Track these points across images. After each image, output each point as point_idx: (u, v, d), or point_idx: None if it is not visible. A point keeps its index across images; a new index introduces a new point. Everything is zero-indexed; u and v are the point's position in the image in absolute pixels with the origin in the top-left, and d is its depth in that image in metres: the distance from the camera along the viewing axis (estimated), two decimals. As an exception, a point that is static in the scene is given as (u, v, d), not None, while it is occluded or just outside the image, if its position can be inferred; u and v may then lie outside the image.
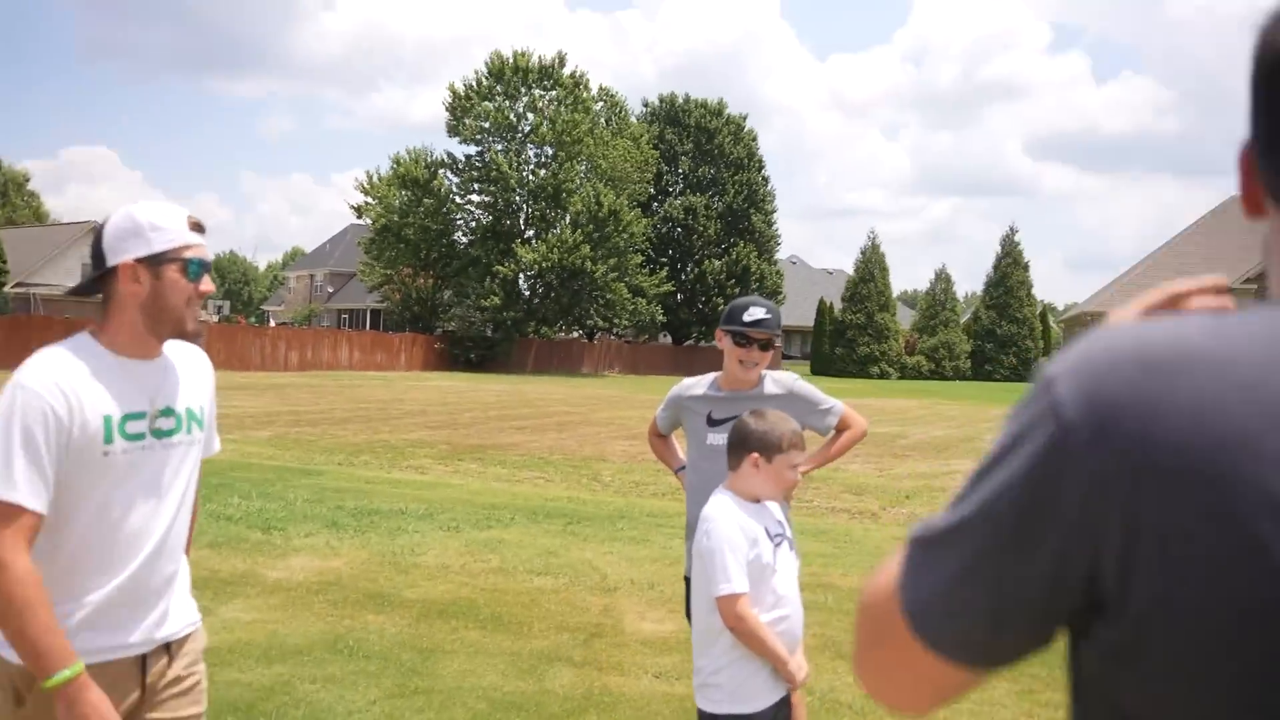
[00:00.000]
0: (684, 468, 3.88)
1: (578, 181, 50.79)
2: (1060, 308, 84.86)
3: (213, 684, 4.48)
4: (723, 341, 3.67)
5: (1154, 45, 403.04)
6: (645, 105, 59.68)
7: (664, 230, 58.38)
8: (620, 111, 54.58)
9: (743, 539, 2.82)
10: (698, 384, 3.83)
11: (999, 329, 61.45)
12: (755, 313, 3.64)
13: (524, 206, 52.36)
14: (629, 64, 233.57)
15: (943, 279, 65.11)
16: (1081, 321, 41.08)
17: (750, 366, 3.64)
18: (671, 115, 58.77)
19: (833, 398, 3.82)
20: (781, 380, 3.71)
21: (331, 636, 5.76)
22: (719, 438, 3.46)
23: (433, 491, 11.03)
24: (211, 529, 8.51)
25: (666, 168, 58.21)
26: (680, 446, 4.06)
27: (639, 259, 52.36)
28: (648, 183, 54.41)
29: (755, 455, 2.91)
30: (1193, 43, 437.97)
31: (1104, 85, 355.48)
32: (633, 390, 36.16)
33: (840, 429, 3.82)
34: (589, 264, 48.90)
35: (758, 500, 2.97)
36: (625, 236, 50.24)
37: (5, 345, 31.81)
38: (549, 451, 15.35)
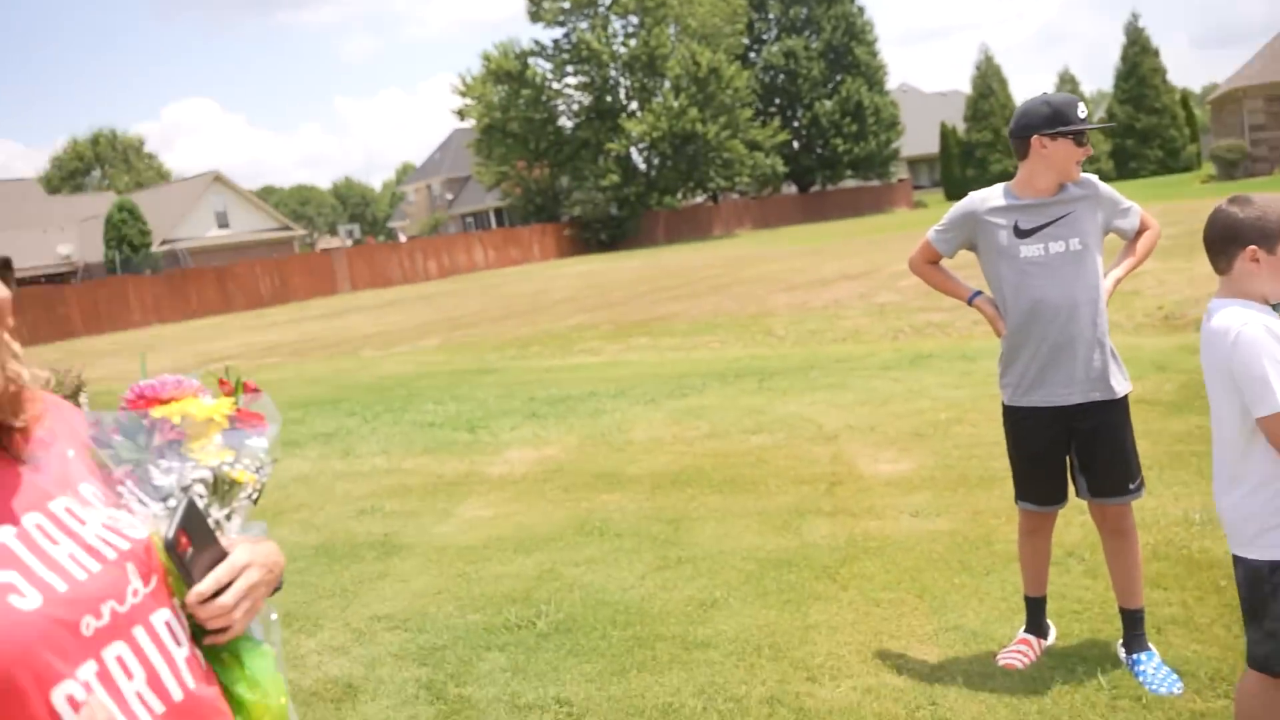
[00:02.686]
0: (978, 294, 3.59)
1: (670, 45, 50.55)
2: (1198, 90, 78.30)
3: (478, 581, 4.66)
4: (1043, 146, 3.32)
5: None
6: None
7: (767, 79, 57.40)
8: (693, -35, 50.52)
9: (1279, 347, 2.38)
10: (990, 196, 3.49)
11: (1138, 123, 54.72)
12: (1084, 108, 3.35)
13: (621, 80, 52.96)
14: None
15: (1067, 81, 60.63)
16: (1233, 98, 38.46)
17: (1081, 167, 3.40)
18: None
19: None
20: (1084, 182, 3.43)
21: (577, 520, 5.78)
22: (1033, 249, 3.36)
23: (615, 370, 11.14)
24: (418, 436, 8.90)
25: (756, 14, 57.57)
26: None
27: (748, 113, 52.21)
28: (740, 34, 53.88)
29: (1252, 249, 2.48)
30: None
31: None
32: (769, 245, 36.20)
33: (1140, 230, 3.59)
34: (699, 126, 49.29)
35: (1266, 301, 2.52)
36: (730, 92, 50.47)
37: (170, 299, 37.13)
38: (712, 315, 15.17)
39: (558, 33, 53.21)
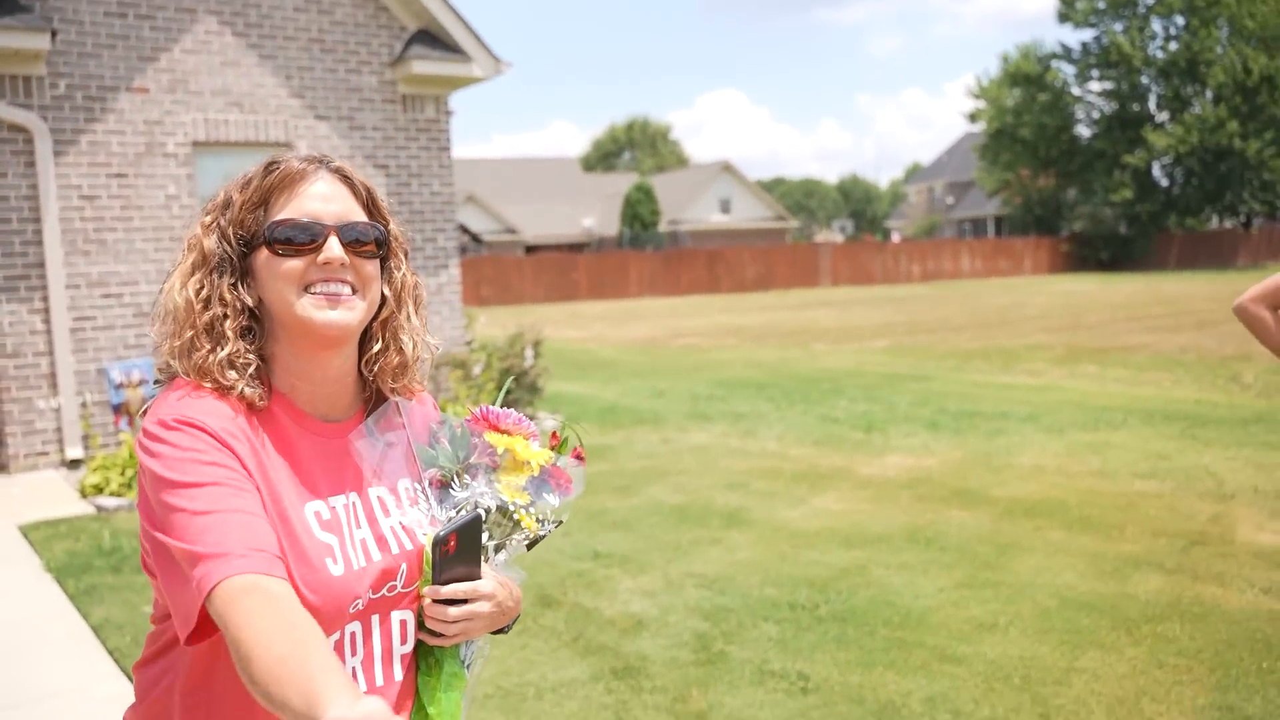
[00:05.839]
0: None
1: (1218, 50, 45.30)
2: None
3: (792, 562, 5.27)
4: None
5: None
6: None
7: None
8: (1266, -43, 45.25)
9: None
10: None
11: None
12: None
13: (1152, 87, 48.99)
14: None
15: None
16: None
17: None
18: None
19: None
20: None
21: (912, 528, 5.98)
22: None
23: (1042, 395, 10.98)
24: (816, 429, 9.42)
25: None
26: None
27: None
28: None
29: None
30: None
31: None
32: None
33: None
34: (1237, 142, 44.28)
35: None
36: None
37: (663, 275, 40.48)
38: (1180, 352, 14.38)
39: (1087, 35, 50.52)
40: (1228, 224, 53.01)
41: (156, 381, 1.40)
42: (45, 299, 8.38)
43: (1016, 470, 7.53)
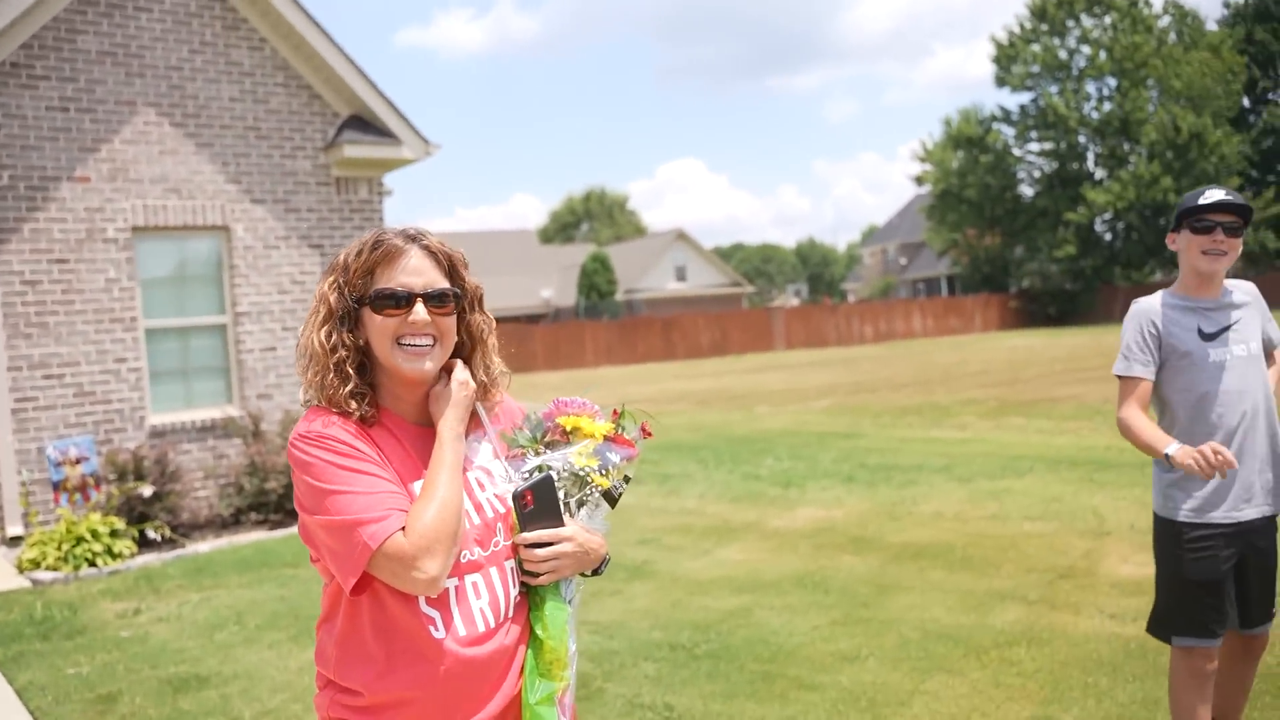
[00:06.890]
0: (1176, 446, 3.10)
1: (1148, 109, 47.92)
2: None
3: (684, 608, 5.72)
4: (1173, 242, 3.28)
5: None
6: (1227, 6, 51.75)
7: (1266, 145, 49.46)
8: (1191, 21, 49.85)
9: None
10: (1165, 300, 3.32)
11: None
12: (1213, 193, 3.16)
13: (1089, 146, 51.10)
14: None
15: None
16: None
17: (1216, 256, 3.16)
18: (1262, 10, 49.78)
19: None
20: (1243, 288, 3.31)
21: (802, 573, 6.40)
22: (1219, 353, 3.23)
23: (962, 447, 11.48)
24: (738, 487, 9.91)
25: (1260, 72, 50.09)
26: None
27: (1235, 182, 46.75)
28: (1237, 94, 48.28)
29: None
30: None
31: None
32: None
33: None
34: (1172, 196, 45.64)
35: None
36: (1214, 160, 46.35)
37: (619, 344, 41.27)
38: (1104, 401, 14.55)
39: (1024, 97, 51.81)
40: (1171, 275, 53.90)
41: (304, 403, 1.86)
42: (-14, 382, 8.67)
43: (916, 517, 7.97)
